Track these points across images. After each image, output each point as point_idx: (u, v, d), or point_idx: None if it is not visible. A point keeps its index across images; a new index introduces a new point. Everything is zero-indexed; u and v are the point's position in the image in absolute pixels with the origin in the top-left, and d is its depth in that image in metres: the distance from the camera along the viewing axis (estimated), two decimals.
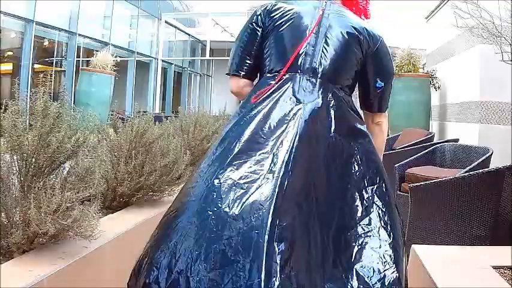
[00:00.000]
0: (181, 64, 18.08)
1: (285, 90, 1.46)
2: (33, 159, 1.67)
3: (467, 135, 6.29)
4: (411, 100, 7.67)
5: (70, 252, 1.67)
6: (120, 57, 11.37)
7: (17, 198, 1.65)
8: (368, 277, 1.26)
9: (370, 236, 1.33)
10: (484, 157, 3.29)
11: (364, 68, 1.57)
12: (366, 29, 1.57)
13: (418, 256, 1.84)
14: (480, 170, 2.49)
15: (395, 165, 3.63)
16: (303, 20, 1.55)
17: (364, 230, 1.34)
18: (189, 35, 18.06)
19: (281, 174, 1.25)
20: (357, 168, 1.41)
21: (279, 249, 1.14)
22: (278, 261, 1.13)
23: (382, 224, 1.35)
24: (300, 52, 1.50)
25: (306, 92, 1.45)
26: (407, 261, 1.97)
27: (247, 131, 1.38)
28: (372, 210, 1.37)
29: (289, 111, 1.40)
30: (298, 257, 1.18)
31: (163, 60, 16.07)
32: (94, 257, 1.76)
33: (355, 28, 1.54)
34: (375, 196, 1.40)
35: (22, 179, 1.68)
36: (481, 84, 6.20)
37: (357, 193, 1.39)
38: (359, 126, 1.51)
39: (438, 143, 4.23)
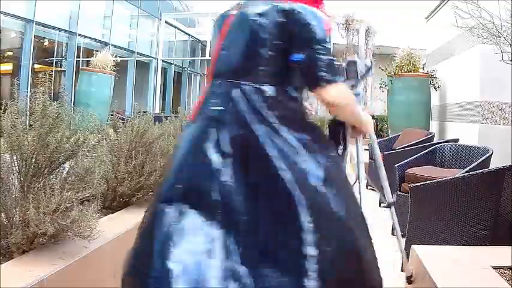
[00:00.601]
0: (181, 64, 18.08)
1: (206, 98, 1.52)
2: (33, 160, 1.67)
3: (467, 135, 6.29)
4: (411, 100, 7.67)
5: (70, 252, 1.67)
6: (120, 57, 11.36)
7: (17, 198, 1.65)
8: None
9: (292, 245, 1.27)
10: (484, 157, 3.29)
11: (284, 46, 1.45)
12: (275, 7, 1.45)
13: (418, 256, 1.84)
14: (480, 170, 2.49)
15: (396, 165, 3.62)
16: (223, 25, 1.58)
17: (287, 238, 1.28)
18: (189, 35, 18.05)
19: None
20: (274, 168, 1.34)
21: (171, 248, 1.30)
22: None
23: (311, 236, 1.26)
24: (216, 58, 1.55)
25: (215, 96, 1.48)
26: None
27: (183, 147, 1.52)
28: (297, 213, 1.29)
29: (201, 118, 1.48)
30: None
31: (163, 60, 16.06)
32: (94, 257, 1.76)
33: (258, 14, 1.46)
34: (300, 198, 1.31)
35: (22, 179, 1.68)
36: (481, 84, 6.20)
37: (278, 196, 1.32)
38: (270, 117, 1.41)
39: (438, 143, 4.22)
